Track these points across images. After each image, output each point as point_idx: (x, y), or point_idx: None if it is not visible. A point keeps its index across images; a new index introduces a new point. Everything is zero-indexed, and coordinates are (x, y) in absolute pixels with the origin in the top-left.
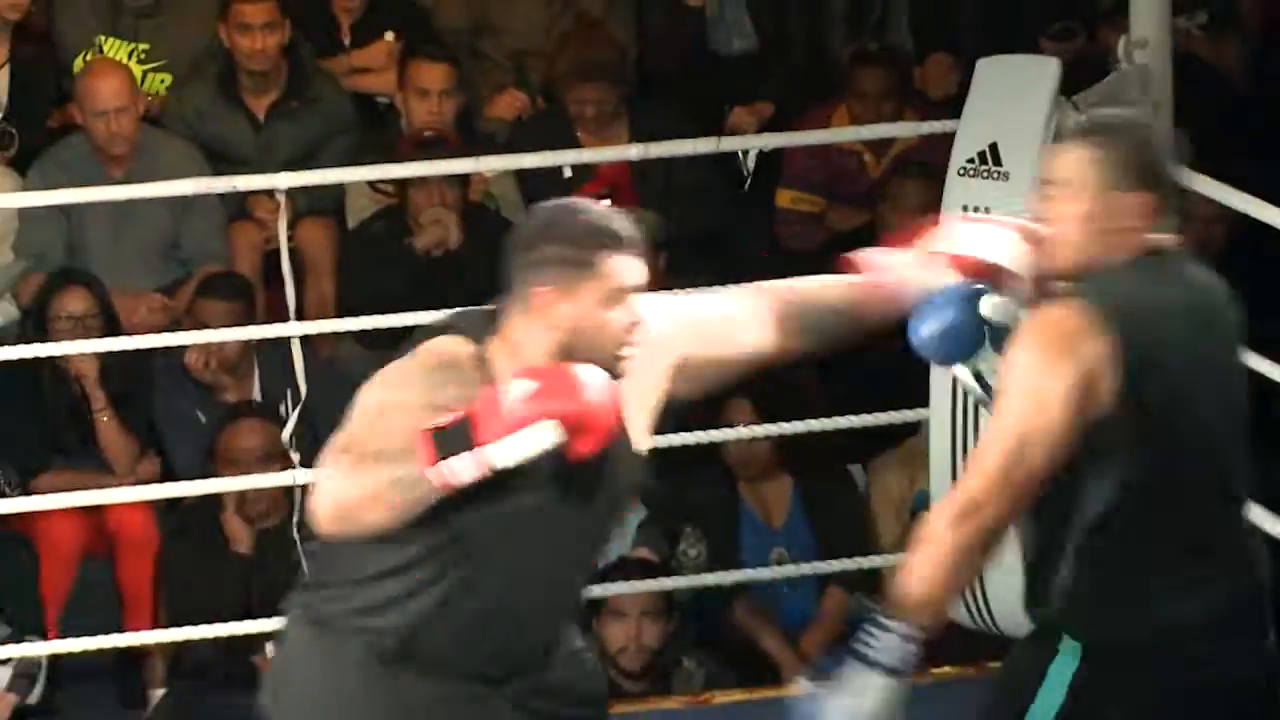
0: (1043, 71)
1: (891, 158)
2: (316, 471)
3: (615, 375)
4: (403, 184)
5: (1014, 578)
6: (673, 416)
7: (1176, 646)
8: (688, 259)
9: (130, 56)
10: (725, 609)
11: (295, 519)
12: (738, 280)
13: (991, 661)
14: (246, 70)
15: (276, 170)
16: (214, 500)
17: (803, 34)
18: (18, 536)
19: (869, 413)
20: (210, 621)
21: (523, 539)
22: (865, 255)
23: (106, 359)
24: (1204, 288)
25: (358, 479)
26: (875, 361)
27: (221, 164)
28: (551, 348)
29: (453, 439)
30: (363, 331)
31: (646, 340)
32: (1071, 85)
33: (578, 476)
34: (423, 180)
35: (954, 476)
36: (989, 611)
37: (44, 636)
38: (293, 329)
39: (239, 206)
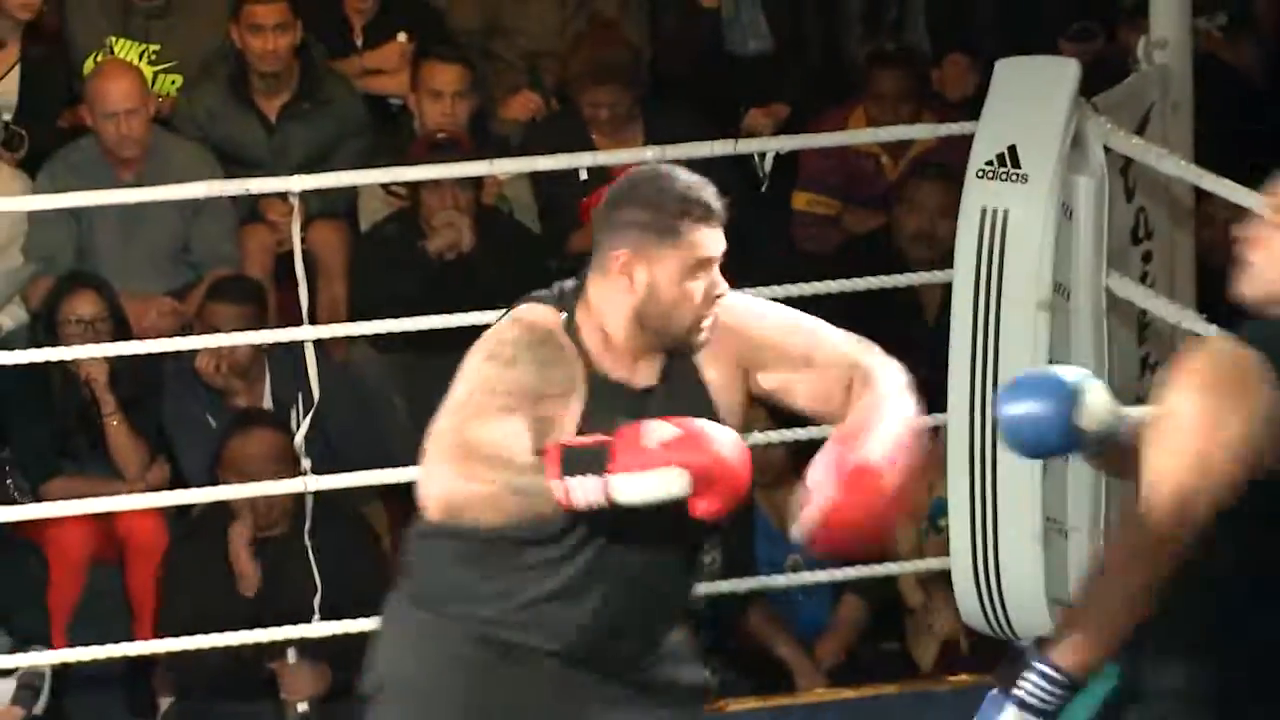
0: (1062, 73)
1: (909, 160)
2: (427, 449)
3: (691, 349)
4: (415, 186)
5: (1030, 581)
6: None
7: None
8: None
9: (141, 57)
10: (740, 616)
11: (307, 526)
12: (751, 284)
13: None
14: (258, 71)
15: (289, 173)
16: (223, 507)
17: (819, 35)
18: (27, 543)
19: None
20: (218, 630)
21: (630, 536)
22: None
23: (116, 363)
24: None
25: (478, 476)
26: None
27: (233, 166)
28: (628, 313)
29: (584, 462)
30: (376, 335)
31: (728, 329)
32: (1091, 86)
33: None
34: (435, 183)
35: (970, 483)
36: (1007, 617)
37: (49, 646)
38: (305, 333)
39: (250, 209)
